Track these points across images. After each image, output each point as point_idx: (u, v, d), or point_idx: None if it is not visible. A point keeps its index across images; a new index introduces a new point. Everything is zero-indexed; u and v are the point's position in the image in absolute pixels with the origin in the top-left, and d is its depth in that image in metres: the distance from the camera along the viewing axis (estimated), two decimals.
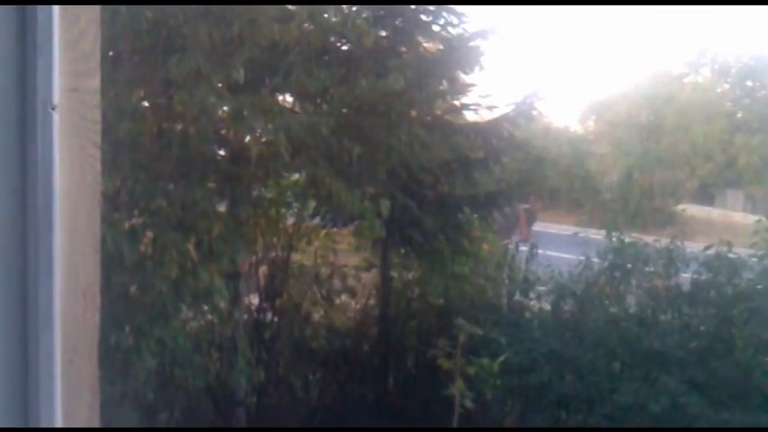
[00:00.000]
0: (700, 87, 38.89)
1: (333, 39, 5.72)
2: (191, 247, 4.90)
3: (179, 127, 5.08)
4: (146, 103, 5.27)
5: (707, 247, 6.93)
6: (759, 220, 6.82)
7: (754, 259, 6.74)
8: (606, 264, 7.33)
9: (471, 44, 6.80)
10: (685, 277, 7.12)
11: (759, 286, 6.51)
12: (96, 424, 1.22)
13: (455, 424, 4.28)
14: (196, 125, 5.13)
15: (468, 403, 4.10)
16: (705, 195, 36.36)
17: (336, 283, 8.01)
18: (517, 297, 7.85)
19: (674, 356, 6.13)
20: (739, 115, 38.36)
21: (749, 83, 40.45)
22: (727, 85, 40.59)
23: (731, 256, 6.79)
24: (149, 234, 5.04)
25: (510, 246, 8.52)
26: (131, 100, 4.97)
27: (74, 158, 1.11)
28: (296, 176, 6.98)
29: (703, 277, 6.81)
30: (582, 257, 7.55)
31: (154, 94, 5.19)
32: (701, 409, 5.56)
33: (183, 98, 4.56)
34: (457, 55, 6.77)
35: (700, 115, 34.42)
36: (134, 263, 4.72)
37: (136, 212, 5.06)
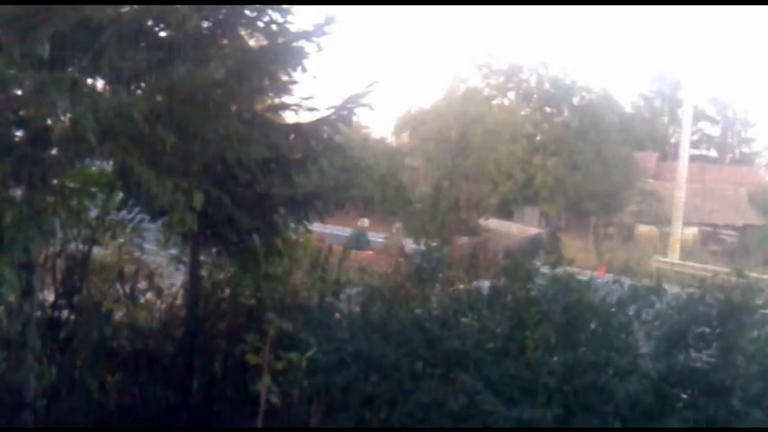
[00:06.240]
0: (506, 110, 41.68)
1: (151, 22, 5.47)
2: None
3: None
4: None
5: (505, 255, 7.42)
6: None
7: (546, 267, 7.29)
8: (413, 267, 7.62)
9: (295, 44, 6.77)
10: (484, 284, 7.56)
11: (549, 292, 7.04)
12: None
13: (260, 422, 4.23)
14: None
15: (275, 398, 4.06)
16: (505, 210, 39.03)
17: (141, 282, 7.68)
18: (329, 299, 7.93)
19: (472, 356, 6.48)
20: (538, 138, 41.60)
21: (548, 109, 44.03)
22: (529, 109, 43.85)
23: (526, 264, 7.30)
24: None
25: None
26: None
27: None
28: (103, 167, 6.62)
29: (501, 283, 7.27)
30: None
31: None
32: (494, 407, 5.91)
33: None
34: (280, 53, 6.70)
35: (504, 136, 36.90)
36: None
37: None
